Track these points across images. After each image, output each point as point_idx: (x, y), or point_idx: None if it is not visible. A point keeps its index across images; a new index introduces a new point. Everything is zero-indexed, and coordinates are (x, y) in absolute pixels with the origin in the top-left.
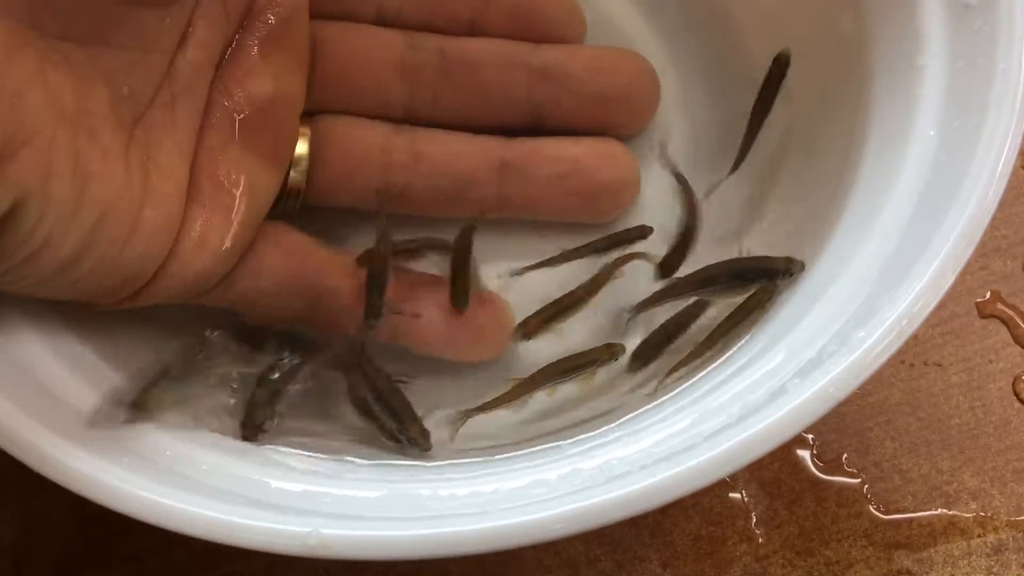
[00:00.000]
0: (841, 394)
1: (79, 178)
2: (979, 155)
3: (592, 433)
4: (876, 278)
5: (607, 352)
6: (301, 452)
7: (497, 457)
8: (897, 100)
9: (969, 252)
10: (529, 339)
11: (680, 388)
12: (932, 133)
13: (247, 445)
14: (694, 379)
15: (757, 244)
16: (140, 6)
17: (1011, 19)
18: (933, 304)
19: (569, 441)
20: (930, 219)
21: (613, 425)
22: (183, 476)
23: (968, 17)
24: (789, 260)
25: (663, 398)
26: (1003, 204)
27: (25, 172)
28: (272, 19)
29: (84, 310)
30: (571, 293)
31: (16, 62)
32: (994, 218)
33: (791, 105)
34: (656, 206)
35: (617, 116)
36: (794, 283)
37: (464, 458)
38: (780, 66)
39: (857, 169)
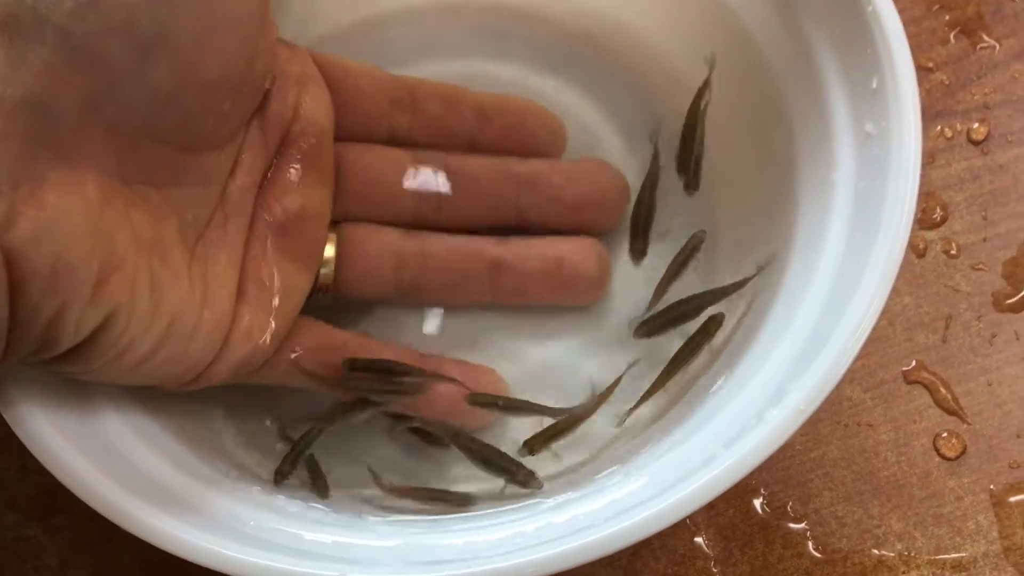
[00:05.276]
0: (757, 460)
1: (155, 293)
2: (869, 267)
3: (565, 495)
4: (789, 367)
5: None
6: (329, 510)
7: (486, 512)
8: (815, 211)
9: (860, 344)
10: (533, 455)
11: (634, 459)
12: (840, 243)
13: (288, 504)
14: (645, 450)
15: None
16: (202, 150)
17: (900, 149)
18: (829, 389)
19: (546, 500)
20: (833, 318)
21: (581, 489)
22: (235, 530)
23: (869, 144)
24: None
25: (622, 465)
26: (926, 285)
27: (115, 293)
28: (303, 145)
29: (154, 393)
30: (572, 414)
31: (109, 208)
32: (918, 297)
33: (729, 210)
34: (625, 291)
35: (592, 218)
36: (724, 373)
37: (462, 513)
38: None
39: (783, 274)
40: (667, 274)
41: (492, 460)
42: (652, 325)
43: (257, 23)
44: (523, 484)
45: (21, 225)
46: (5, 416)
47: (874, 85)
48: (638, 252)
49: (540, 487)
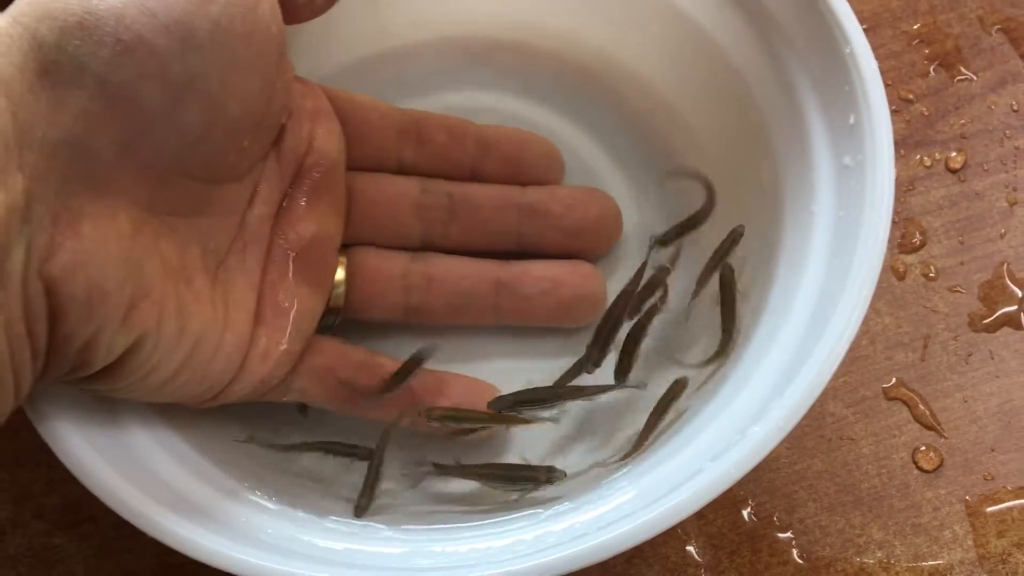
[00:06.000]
0: (740, 473)
1: (181, 317)
2: (847, 291)
3: (561, 506)
4: (772, 386)
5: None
6: (340, 519)
7: (489, 521)
8: (798, 238)
9: (836, 365)
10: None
11: (623, 471)
12: (820, 269)
13: (301, 515)
14: (633, 466)
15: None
16: (224, 182)
17: (874, 181)
18: (808, 406)
19: (544, 511)
20: (812, 340)
21: (577, 500)
22: (252, 536)
23: (845, 176)
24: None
25: (614, 476)
26: (905, 306)
27: (145, 317)
28: (316, 175)
29: (177, 409)
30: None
31: (139, 239)
32: (898, 318)
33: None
34: None
35: (588, 243)
36: (711, 392)
37: (467, 522)
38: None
39: (767, 298)
40: (707, 267)
41: (512, 476)
42: (504, 401)
43: (275, 64)
44: (550, 482)
45: (60, 256)
46: (40, 431)
47: (851, 121)
48: (593, 362)
49: (565, 475)
